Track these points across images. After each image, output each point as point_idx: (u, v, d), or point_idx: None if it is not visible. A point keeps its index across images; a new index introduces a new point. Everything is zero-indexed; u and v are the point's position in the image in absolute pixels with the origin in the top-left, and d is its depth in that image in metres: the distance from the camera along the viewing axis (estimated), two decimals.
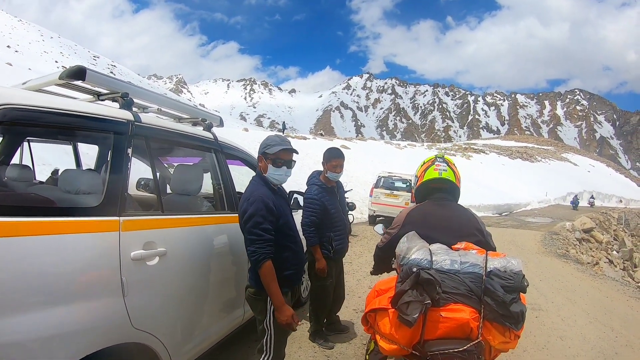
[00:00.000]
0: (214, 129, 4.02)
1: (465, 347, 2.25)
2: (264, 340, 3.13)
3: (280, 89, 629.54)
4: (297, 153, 3.25)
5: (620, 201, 61.51)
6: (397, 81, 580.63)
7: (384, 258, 3.10)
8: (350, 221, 14.00)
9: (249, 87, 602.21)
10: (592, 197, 50.82)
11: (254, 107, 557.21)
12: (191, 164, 4.23)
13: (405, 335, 2.37)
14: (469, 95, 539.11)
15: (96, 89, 2.98)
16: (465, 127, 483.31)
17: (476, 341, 2.28)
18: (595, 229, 24.49)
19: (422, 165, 3.16)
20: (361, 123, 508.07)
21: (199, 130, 3.67)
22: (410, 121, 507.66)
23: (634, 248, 26.06)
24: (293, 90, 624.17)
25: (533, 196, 39.07)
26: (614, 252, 23.24)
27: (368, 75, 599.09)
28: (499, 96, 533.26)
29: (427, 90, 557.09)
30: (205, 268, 3.27)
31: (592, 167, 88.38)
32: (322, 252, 4.59)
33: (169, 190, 4.04)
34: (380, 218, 17.00)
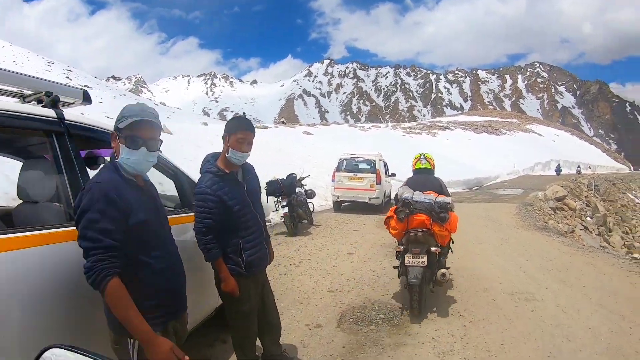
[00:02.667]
0: (74, 108, 2.91)
1: (423, 230, 5.43)
2: None
3: (241, 80, 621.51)
4: (170, 133, 1.89)
5: (589, 167, 62.62)
6: (358, 65, 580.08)
7: (395, 199, 6.06)
8: (312, 210, 12.98)
9: (209, 82, 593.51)
10: (579, 166, 54.73)
11: (216, 102, 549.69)
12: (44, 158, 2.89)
13: (401, 226, 5.56)
14: (430, 75, 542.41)
15: None
16: (428, 106, 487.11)
17: (428, 229, 5.45)
18: (568, 197, 23.86)
19: (414, 160, 6.39)
20: (325, 109, 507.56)
21: (29, 108, 2.47)
22: (373, 104, 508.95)
23: (607, 213, 25.80)
24: (255, 81, 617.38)
25: (502, 168, 38.50)
26: (588, 219, 22.94)
27: (329, 61, 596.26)
28: (460, 73, 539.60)
29: (388, 72, 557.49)
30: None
31: (557, 136, 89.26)
32: (228, 267, 3.20)
33: None
34: (346, 203, 16.20)
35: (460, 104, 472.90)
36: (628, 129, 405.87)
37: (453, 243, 6.30)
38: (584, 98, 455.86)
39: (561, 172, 46.83)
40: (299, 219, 11.50)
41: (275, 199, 11.31)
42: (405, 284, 5.38)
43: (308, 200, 12.54)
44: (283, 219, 11.17)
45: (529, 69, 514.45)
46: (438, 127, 58.01)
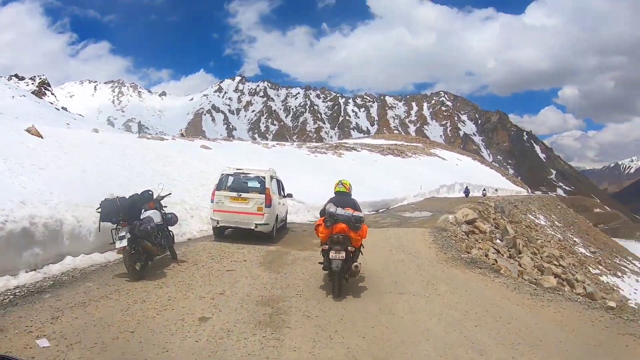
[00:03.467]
0: None
1: (343, 234, 7.92)
2: None
3: (150, 91, 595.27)
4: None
5: (496, 190, 64.29)
6: (269, 84, 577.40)
7: (321, 212, 8.68)
8: (173, 240, 10.17)
9: (117, 90, 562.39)
10: (484, 189, 55.54)
11: (122, 111, 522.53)
12: None
13: (327, 231, 8.04)
14: (339, 98, 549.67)
15: None
16: (336, 128, 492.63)
17: (347, 234, 7.96)
18: (478, 220, 22.72)
19: (335, 184, 9.24)
20: (233, 126, 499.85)
21: None
22: (282, 123, 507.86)
23: (516, 235, 25.09)
24: (164, 93, 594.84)
25: (408, 190, 37.28)
26: (498, 241, 21.80)
27: (240, 77, 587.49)
28: (368, 98, 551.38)
29: (299, 93, 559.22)
30: None
31: (460, 160, 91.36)
32: None
33: None
34: (230, 229, 13.71)
35: (367, 127, 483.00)
36: (524, 156, 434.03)
37: (363, 247, 8.94)
38: (485, 127, 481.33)
39: (469, 194, 47.65)
40: (147, 255, 8.40)
41: (113, 226, 8.31)
42: (330, 272, 7.99)
43: (168, 228, 9.82)
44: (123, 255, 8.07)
45: (434, 98, 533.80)
46: (344, 148, 56.70)
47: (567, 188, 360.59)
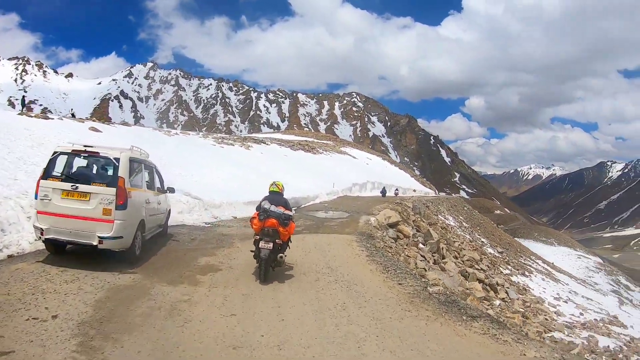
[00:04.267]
0: None
1: (273, 228, 9.16)
2: None
3: (56, 72, 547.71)
4: None
5: (414, 190, 65.49)
6: (181, 73, 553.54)
7: (257, 207, 9.66)
8: None
9: (21, 68, 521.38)
10: (397, 189, 57.39)
11: (25, 91, 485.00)
12: None
13: (260, 224, 9.23)
14: (252, 92, 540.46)
15: None
16: (246, 122, 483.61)
17: (276, 228, 9.18)
18: (401, 222, 20.32)
19: (270, 185, 10.21)
20: (141, 114, 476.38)
21: None
22: (192, 114, 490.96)
23: (440, 238, 22.99)
24: (70, 75, 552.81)
25: (320, 188, 34.50)
26: (421, 246, 19.55)
27: (152, 64, 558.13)
28: (281, 94, 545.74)
29: (211, 84, 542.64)
30: None
31: (370, 159, 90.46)
32: None
33: None
34: (71, 247, 9.24)
35: (278, 123, 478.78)
36: (430, 158, 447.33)
37: (291, 242, 10.32)
38: (394, 129, 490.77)
39: (387, 194, 47.16)
40: None
41: None
42: (259, 259, 9.23)
43: None
44: None
45: (346, 98, 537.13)
46: (253, 141, 53.06)
47: (469, 190, 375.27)
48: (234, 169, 29.36)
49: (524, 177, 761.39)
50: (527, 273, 43.51)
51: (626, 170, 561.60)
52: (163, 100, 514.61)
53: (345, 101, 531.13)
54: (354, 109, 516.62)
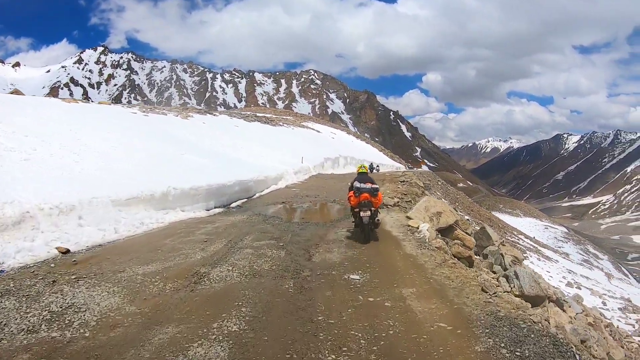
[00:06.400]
0: None
1: (367, 200, 10.61)
2: None
3: (2, 62, 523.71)
4: None
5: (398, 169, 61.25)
6: (133, 56, 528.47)
7: (350, 189, 11.30)
8: None
9: None
10: (378, 165, 54.79)
11: None
12: None
13: (356, 199, 10.78)
14: (207, 73, 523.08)
15: None
16: (202, 104, 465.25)
17: (370, 200, 10.65)
18: (458, 223, 11.43)
19: (358, 167, 12.26)
20: (92, 101, 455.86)
21: None
22: (145, 98, 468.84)
23: (501, 240, 13.54)
24: (17, 64, 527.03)
25: (286, 165, 24.31)
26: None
27: (103, 48, 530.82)
28: (237, 74, 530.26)
29: (164, 67, 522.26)
30: None
31: (334, 134, 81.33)
32: None
33: None
34: None
35: (235, 103, 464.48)
36: (391, 134, 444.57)
37: (382, 208, 12.77)
38: (353, 105, 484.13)
39: (373, 171, 41.73)
40: None
41: None
42: (360, 225, 10.65)
43: None
44: None
45: (304, 76, 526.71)
46: (196, 111, 42.42)
47: (430, 165, 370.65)
48: (154, 144, 19.00)
49: (482, 150, 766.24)
50: (523, 254, 36.25)
51: (582, 142, 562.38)
52: (115, 85, 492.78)
53: (303, 79, 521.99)
54: (312, 86, 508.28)
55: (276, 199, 16.64)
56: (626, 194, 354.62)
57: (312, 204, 15.54)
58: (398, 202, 15.49)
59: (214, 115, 43.19)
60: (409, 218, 12.14)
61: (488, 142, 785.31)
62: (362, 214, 10.54)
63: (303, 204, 15.32)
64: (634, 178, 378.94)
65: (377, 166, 53.07)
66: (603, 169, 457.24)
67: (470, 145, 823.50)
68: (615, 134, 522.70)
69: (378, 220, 11.27)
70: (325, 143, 55.76)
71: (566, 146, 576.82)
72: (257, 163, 22.07)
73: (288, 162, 26.00)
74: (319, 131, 72.76)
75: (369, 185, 10.98)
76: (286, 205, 15.02)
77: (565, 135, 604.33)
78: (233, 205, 15.27)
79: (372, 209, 10.72)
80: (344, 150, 50.49)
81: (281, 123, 58.96)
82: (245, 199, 16.20)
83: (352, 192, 11.14)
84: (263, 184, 18.66)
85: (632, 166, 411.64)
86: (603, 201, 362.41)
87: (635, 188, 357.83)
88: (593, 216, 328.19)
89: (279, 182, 20.58)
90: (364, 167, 11.99)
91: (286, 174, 22.36)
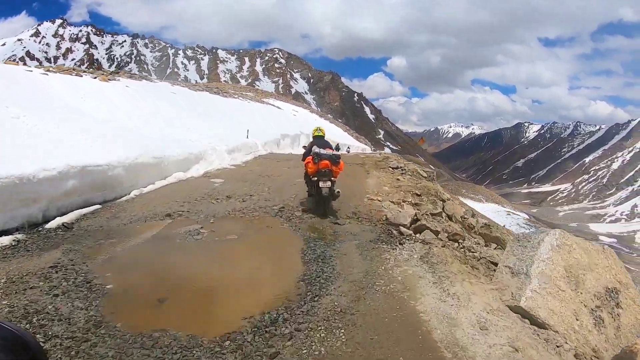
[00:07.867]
0: None
1: (327, 169, 9.49)
2: None
3: None
4: None
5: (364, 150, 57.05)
6: (93, 29, 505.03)
7: (306, 154, 10.38)
8: None
9: None
10: (348, 147, 49.89)
11: None
12: None
13: (314, 166, 9.61)
14: (169, 49, 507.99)
15: None
16: (164, 80, 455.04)
17: (330, 168, 9.51)
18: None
19: (313, 130, 11.11)
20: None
21: None
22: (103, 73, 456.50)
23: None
24: None
25: (218, 140, 16.95)
26: None
27: (62, 21, 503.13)
28: (200, 50, 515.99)
29: (125, 41, 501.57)
30: None
31: (297, 112, 74.31)
32: None
33: None
34: None
35: (197, 80, 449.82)
36: (355, 115, 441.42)
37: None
38: (317, 86, 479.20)
39: (347, 152, 37.73)
40: None
41: None
42: (318, 197, 9.76)
43: None
44: None
45: (268, 54, 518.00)
46: (127, 75, 34.24)
47: (393, 148, 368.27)
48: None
49: (444, 135, 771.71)
50: None
51: (542, 131, 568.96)
52: (73, 60, 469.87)
53: (267, 57, 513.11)
54: (276, 65, 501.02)
55: (163, 204, 9.49)
56: (584, 184, 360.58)
57: (230, 218, 8.89)
58: (419, 218, 10.15)
59: (152, 82, 35.17)
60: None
61: (450, 127, 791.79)
62: (321, 184, 9.73)
63: (208, 219, 8.49)
64: (592, 169, 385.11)
65: (348, 147, 47.85)
66: (562, 158, 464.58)
67: (432, 129, 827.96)
68: (575, 126, 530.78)
69: (338, 191, 10.19)
70: (285, 120, 48.34)
71: (527, 135, 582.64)
72: (174, 138, 14.71)
73: (225, 137, 18.55)
74: (280, 107, 65.26)
75: (329, 152, 10.14)
76: (163, 231, 7.82)
77: (526, 124, 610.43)
78: (54, 223, 7.53)
79: (332, 178, 9.92)
80: (307, 129, 43.06)
81: (236, 96, 51.27)
82: (99, 205, 8.76)
83: (311, 157, 10.15)
84: (153, 172, 11.19)
85: (590, 157, 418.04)
86: (561, 189, 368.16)
87: (592, 178, 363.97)
88: (551, 203, 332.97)
89: (192, 167, 13.33)
90: (320, 129, 11.10)
91: (211, 152, 15.07)
